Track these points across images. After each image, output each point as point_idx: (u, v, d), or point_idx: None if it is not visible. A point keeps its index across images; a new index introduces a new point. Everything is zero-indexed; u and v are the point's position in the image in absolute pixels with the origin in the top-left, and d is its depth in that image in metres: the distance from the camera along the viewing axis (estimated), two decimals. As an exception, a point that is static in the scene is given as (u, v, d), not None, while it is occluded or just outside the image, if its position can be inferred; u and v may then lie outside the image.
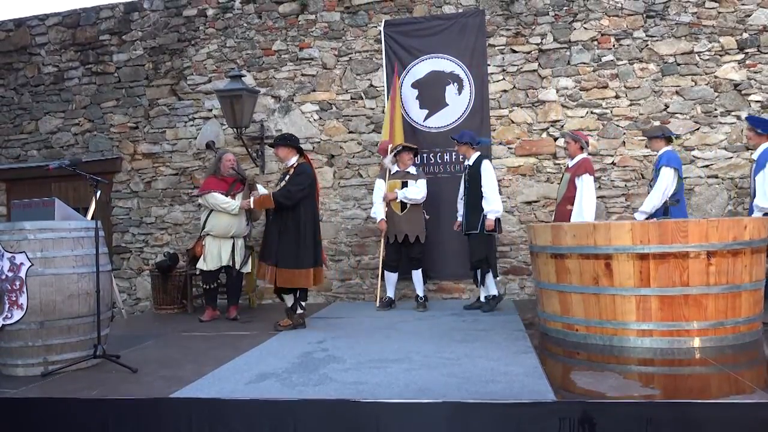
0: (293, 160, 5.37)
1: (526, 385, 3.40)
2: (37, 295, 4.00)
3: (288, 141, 5.39)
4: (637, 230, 4.19)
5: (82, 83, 8.04)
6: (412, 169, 6.41)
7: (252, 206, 5.54)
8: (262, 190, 6.28)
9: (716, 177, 6.60)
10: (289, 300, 5.42)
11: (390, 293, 6.49)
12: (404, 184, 6.31)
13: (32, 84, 8.20)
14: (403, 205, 6.28)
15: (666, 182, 5.43)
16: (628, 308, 4.24)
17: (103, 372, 4.07)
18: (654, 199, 5.46)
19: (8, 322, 3.99)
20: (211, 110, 7.65)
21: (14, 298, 3.99)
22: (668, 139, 5.63)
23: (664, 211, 5.47)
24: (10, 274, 4.00)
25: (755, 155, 5.31)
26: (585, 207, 5.63)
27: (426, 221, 6.38)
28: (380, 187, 6.39)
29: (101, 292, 4.17)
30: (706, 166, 6.60)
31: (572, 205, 5.76)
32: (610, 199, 6.76)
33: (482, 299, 6.19)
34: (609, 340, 4.32)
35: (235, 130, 7.12)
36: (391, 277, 6.45)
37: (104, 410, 3.35)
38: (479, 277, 6.08)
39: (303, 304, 5.48)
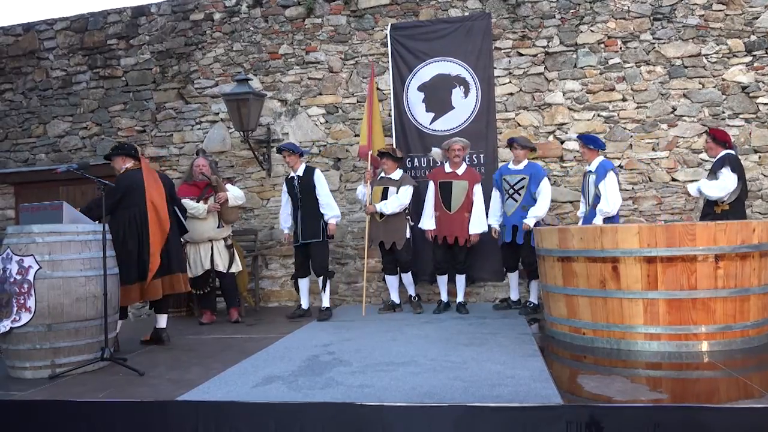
0: (124, 167, 5.08)
1: (532, 388, 3.39)
2: (44, 298, 4.03)
3: (118, 151, 5.13)
4: (645, 233, 4.18)
5: (89, 87, 8.08)
6: (396, 174, 6.28)
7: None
8: (233, 190, 6.22)
9: (724, 180, 6.56)
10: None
11: (393, 296, 6.49)
12: (385, 191, 6.23)
13: (40, 88, 8.25)
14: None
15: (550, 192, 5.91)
16: (635, 311, 4.22)
17: (110, 375, 4.10)
18: (545, 209, 5.83)
19: (16, 324, 4.02)
20: (218, 114, 7.67)
21: (22, 301, 4.02)
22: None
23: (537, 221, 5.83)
24: (18, 277, 4.03)
25: (592, 167, 5.69)
26: (483, 213, 6.11)
27: (411, 227, 6.30)
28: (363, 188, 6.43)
29: (108, 295, 4.19)
30: (714, 168, 6.56)
31: (470, 212, 6.06)
32: (617, 202, 6.72)
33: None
34: (616, 343, 4.30)
35: (241, 133, 7.13)
36: (391, 281, 6.44)
37: (111, 413, 3.37)
38: (321, 285, 6.18)
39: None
